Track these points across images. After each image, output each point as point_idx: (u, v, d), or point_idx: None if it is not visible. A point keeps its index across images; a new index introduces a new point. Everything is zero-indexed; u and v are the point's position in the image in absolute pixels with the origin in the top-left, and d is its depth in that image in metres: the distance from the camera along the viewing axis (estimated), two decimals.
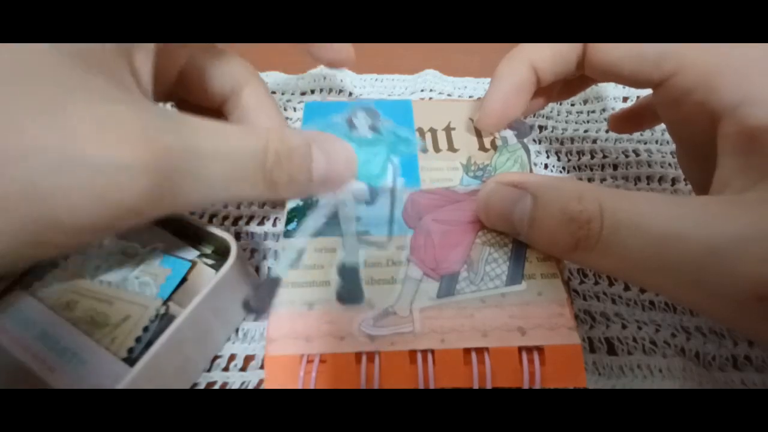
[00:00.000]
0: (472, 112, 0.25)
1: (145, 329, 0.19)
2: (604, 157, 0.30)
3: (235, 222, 0.27)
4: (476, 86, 0.36)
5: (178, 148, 0.14)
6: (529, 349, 0.17)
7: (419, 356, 0.17)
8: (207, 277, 0.21)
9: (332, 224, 0.20)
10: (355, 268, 0.19)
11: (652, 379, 0.21)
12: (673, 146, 0.30)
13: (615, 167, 0.30)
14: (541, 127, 0.32)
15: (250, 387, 0.21)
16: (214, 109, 0.24)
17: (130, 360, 0.19)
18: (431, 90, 0.35)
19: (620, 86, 0.34)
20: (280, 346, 0.17)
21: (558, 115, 0.33)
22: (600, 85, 0.34)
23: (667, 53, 0.18)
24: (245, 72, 0.24)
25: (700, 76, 0.17)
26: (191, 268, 0.22)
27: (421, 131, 0.24)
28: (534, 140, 0.32)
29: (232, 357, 0.22)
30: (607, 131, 0.32)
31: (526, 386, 0.17)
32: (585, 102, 0.34)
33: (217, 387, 0.21)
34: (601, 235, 0.15)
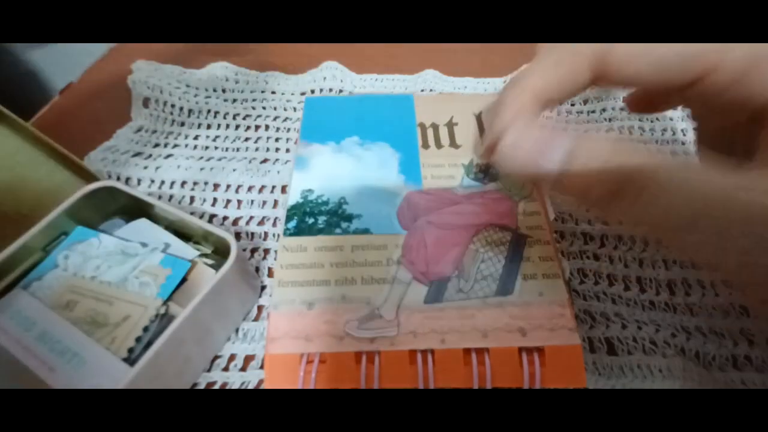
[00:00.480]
0: (475, 107, 0.25)
1: (145, 329, 0.19)
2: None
3: (235, 222, 0.27)
4: (476, 86, 0.36)
5: None
6: (530, 350, 0.17)
7: (419, 356, 0.17)
8: (207, 276, 0.21)
9: (332, 223, 0.20)
10: None
11: (652, 379, 0.21)
12: (673, 145, 0.30)
13: None
14: None
15: (250, 387, 0.21)
16: None
17: (130, 360, 0.19)
18: (431, 90, 0.35)
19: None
20: (280, 345, 0.17)
21: (558, 115, 0.33)
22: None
23: (690, 57, 0.17)
24: None
25: (738, 72, 0.16)
26: (191, 268, 0.22)
27: (422, 127, 0.24)
28: None
29: (232, 357, 0.22)
30: (607, 131, 0.32)
31: (526, 386, 0.17)
32: (585, 102, 0.34)
33: (217, 387, 0.21)
34: (650, 183, 0.14)
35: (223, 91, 0.36)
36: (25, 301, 0.20)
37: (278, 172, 0.29)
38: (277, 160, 0.31)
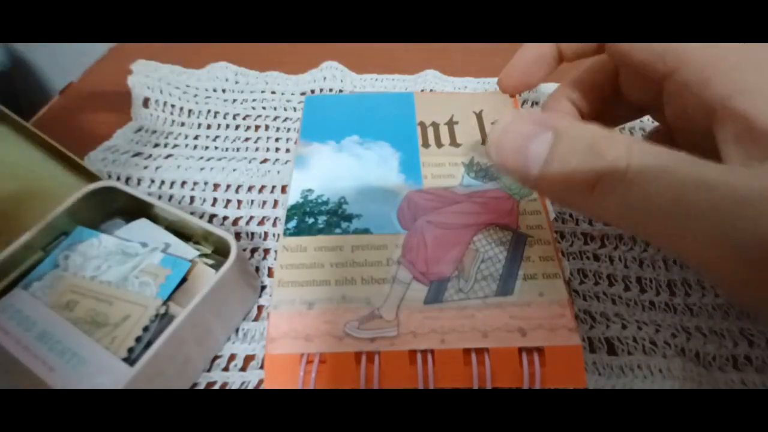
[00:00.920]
0: (476, 106, 0.25)
1: (145, 329, 0.19)
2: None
3: (235, 222, 0.27)
4: (476, 86, 0.36)
5: None
6: (530, 350, 0.17)
7: (419, 356, 0.17)
8: (207, 276, 0.21)
9: (332, 223, 0.20)
10: None
11: (652, 379, 0.21)
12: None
13: None
14: None
15: (250, 387, 0.21)
16: None
17: (130, 360, 0.19)
18: (431, 90, 0.35)
19: None
20: (280, 345, 0.17)
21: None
22: None
23: (670, 48, 0.18)
24: None
25: (697, 70, 0.17)
26: (191, 268, 0.22)
27: (423, 125, 0.24)
28: None
29: (232, 357, 0.22)
30: None
31: (526, 386, 0.17)
32: None
33: (217, 387, 0.21)
34: (626, 174, 0.14)
35: (223, 91, 0.36)
36: (25, 301, 0.20)
37: (278, 172, 0.29)
38: (277, 160, 0.31)
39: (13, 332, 0.19)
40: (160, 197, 0.28)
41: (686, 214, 0.14)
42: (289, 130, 0.33)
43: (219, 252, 0.23)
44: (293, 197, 0.21)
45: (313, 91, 0.36)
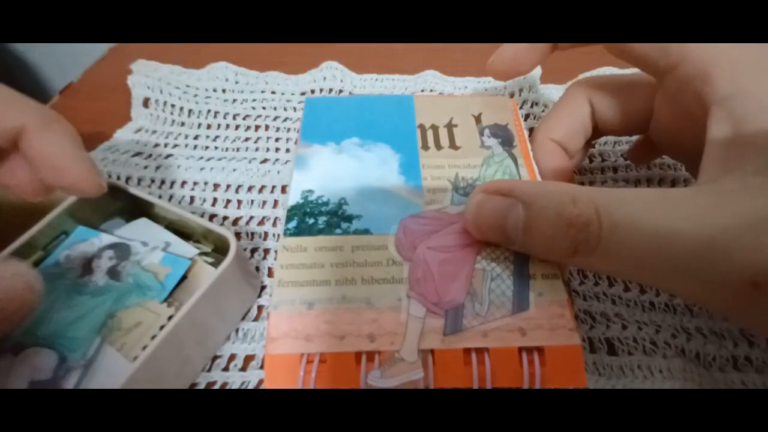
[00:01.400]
0: (474, 108, 0.25)
1: (153, 338, 0.19)
2: (603, 160, 0.30)
3: (235, 222, 0.27)
4: (476, 86, 0.36)
5: None
6: (530, 350, 0.17)
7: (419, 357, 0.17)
8: (207, 275, 0.21)
9: (332, 223, 0.20)
10: None
11: (652, 379, 0.21)
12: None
13: (615, 170, 0.30)
14: None
15: (250, 387, 0.21)
16: None
17: None
18: (431, 90, 0.35)
19: None
20: (279, 345, 0.17)
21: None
22: None
23: (672, 44, 0.18)
24: (32, 112, 0.19)
25: (699, 67, 0.18)
26: (191, 266, 0.22)
27: (422, 128, 0.24)
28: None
29: (232, 357, 0.22)
30: None
31: (526, 386, 0.17)
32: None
33: (217, 387, 0.21)
34: (600, 237, 0.15)
35: (223, 91, 0.36)
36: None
37: (278, 172, 0.29)
38: (277, 160, 0.31)
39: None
40: (160, 197, 0.28)
41: (663, 262, 0.14)
42: (289, 130, 0.33)
43: (219, 251, 0.23)
44: (293, 198, 0.21)
45: (313, 91, 0.36)
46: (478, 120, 0.25)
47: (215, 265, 0.22)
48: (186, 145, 0.32)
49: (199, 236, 0.23)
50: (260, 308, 0.23)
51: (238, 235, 0.26)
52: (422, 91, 0.35)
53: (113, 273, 0.21)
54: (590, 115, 0.23)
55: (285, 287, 0.18)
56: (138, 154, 0.31)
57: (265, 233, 0.27)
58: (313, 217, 0.20)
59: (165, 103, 0.34)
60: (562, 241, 0.16)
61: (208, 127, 0.33)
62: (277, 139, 0.32)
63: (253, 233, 0.27)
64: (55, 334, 0.19)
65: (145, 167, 0.30)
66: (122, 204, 0.23)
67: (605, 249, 0.15)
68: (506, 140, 0.23)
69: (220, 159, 0.31)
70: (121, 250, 0.22)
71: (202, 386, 0.21)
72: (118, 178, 0.29)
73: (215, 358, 0.22)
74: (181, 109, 0.34)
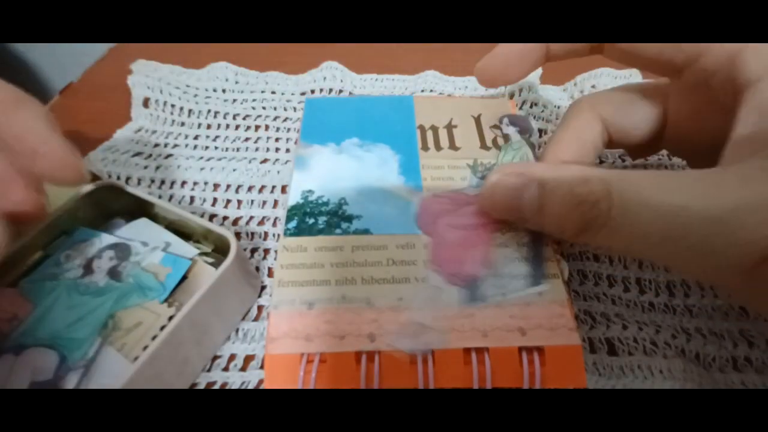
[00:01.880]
0: (474, 109, 0.25)
1: (154, 338, 0.19)
2: (601, 162, 0.30)
3: (235, 222, 0.27)
4: (477, 86, 0.36)
5: None
6: (530, 350, 0.17)
7: (419, 356, 0.17)
8: (207, 275, 0.21)
9: (332, 223, 0.20)
10: None
11: (652, 379, 0.21)
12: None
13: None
14: (541, 131, 0.32)
15: (250, 387, 0.21)
16: None
17: None
18: (431, 90, 0.35)
19: None
20: (279, 345, 0.17)
21: (557, 119, 0.33)
22: (597, 87, 0.34)
23: (684, 44, 0.19)
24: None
25: (724, 56, 0.18)
26: (191, 266, 0.22)
27: (422, 129, 0.24)
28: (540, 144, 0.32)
29: (232, 357, 0.22)
30: None
31: (526, 386, 0.17)
32: None
33: (217, 387, 0.21)
34: (610, 214, 0.15)
35: (223, 91, 0.36)
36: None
37: (278, 172, 0.29)
38: (277, 160, 0.31)
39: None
40: (160, 197, 0.28)
41: (672, 239, 0.15)
42: (289, 130, 0.33)
43: (219, 251, 0.23)
44: (293, 198, 0.21)
45: (313, 91, 0.36)
46: (478, 121, 0.25)
47: (215, 265, 0.22)
48: (186, 145, 0.32)
49: (199, 236, 0.23)
50: (260, 308, 0.23)
51: (238, 235, 0.26)
52: (422, 91, 0.35)
53: (114, 273, 0.21)
54: (601, 133, 0.22)
55: (285, 287, 0.18)
56: (138, 154, 0.31)
57: (265, 233, 0.27)
58: (313, 217, 0.20)
59: (165, 103, 0.34)
60: (573, 218, 0.16)
61: (208, 127, 0.33)
62: (277, 139, 0.32)
63: (253, 233, 0.27)
64: (55, 335, 0.19)
65: (145, 167, 0.30)
66: (122, 204, 0.23)
67: (615, 226, 0.15)
68: (524, 128, 0.24)
69: (220, 159, 0.31)
70: (122, 251, 0.22)
71: (202, 386, 0.21)
72: (118, 178, 0.29)
73: (215, 358, 0.22)
74: (181, 109, 0.34)
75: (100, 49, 0.41)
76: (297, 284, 0.18)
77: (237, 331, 0.23)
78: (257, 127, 0.33)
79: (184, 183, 0.29)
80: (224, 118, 0.34)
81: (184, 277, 0.21)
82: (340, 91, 0.36)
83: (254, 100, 0.35)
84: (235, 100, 0.35)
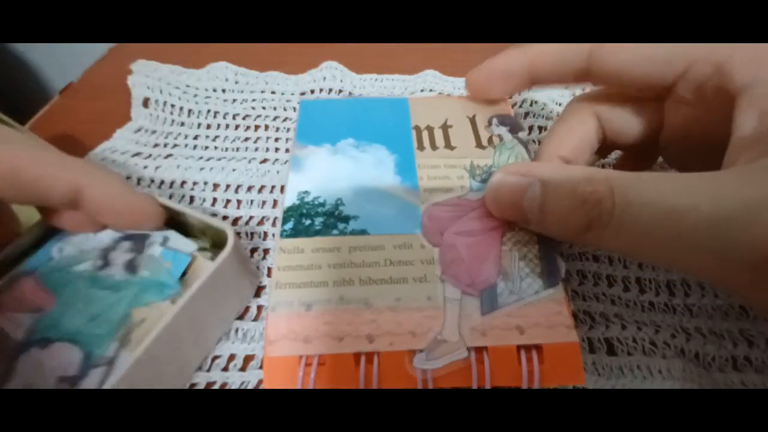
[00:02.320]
0: (469, 109, 0.25)
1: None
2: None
3: (235, 222, 0.27)
4: None
5: None
6: (528, 348, 0.17)
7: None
8: (206, 269, 0.21)
9: (329, 224, 0.20)
10: None
11: (651, 379, 0.21)
12: None
13: (614, 168, 0.30)
14: (540, 128, 0.32)
15: (250, 387, 0.21)
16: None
17: None
18: (431, 90, 0.35)
19: None
20: (278, 347, 0.17)
21: (557, 116, 0.33)
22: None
23: (674, 51, 0.19)
24: (79, 171, 0.19)
25: (711, 67, 0.18)
26: (191, 262, 0.22)
27: (417, 129, 0.24)
28: (528, 141, 0.32)
29: (231, 357, 0.22)
30: None
31: (525, 385, 0.17)
32: None
33: (216, 387, 0.21)
34: (614, 213, 0.15)
35: (223, 91, 0.36)
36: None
37: (278, 172, 0.29)
38: (276, 160, 0.31)
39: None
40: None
41: (678, 239, 0.14)
42: (288, 130, 0.33)
43: (217, 245, 0.23)
44: (289, 199, 0.21)
45: (312, 91, 0.36)
46: (473, 122, 0.25)
47: (214, 259, 0.22)
48: (186, 145, 0.32)
49: (197, 232, 0.23)
50: (260, 308, 0.23)
51: (237, 234, 0.26)
52: (422, 91, 0.35)
53: (130, 267, 0.21)
54: (596, 130, 0.22)
55: (282, 289, 0.18)
56: (138, 154, 0.31)
57: (265, 233, 0.27)
58: (310, 218, 0.20)
59: (165, 103, 0.34)
60: (575, 217, 0.16)
61: (208, 127, 0.33)
62: (276, 139, 0.32)
63: (252, 233, 0.27)
64: (78, 330, 0.19)
65: (145, 167, 0.30)
66: None
67: (618, 225, 0.15)
68: (514, 127, 0.24)
69: (219, 159, 0.31)
70: (137, 242, 0.22)
71: (201, 386, 0.21)
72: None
73: (215, 358, 0.22)
74: (181, 109, 0.34)
75: (100, 49, 0.41)
76: (295, 286, 0.18)
77: (237, 330, 0.23)
78: (257, 127, 0.33)
79: (183, 183, 0.29)
80: (224, 118, 0.34)
81: (183, 272, 0.21)
82: (340, 91, 0.36)
83: (254, 100, 0.35)
84: (234, 100, 0.35)
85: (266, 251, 0.26)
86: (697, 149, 0.21)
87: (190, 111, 0.34)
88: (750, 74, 0.17)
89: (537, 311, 0.18)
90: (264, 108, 0.35)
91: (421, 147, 0.23)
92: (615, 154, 0.30)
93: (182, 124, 0.33)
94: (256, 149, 0.32)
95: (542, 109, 0.33)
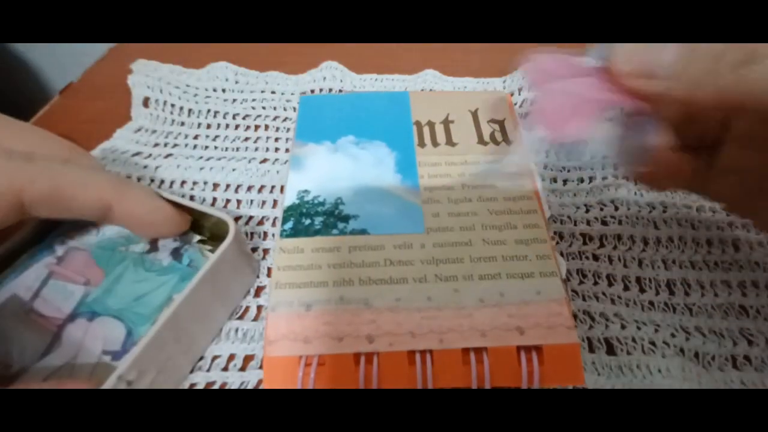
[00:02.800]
0: (471, 104, 0.25)
1: None
2: (604, 157, 0.30)
3: (235, 222, 0.27)
4: (476, 86, 0.36)
5: None
6: (528, 349, 0.17)
7: (418, 357, 0.17)
8: (210, 259, 0.22)
9: (329, 224, 0.20)
10: None
11: (651, 378, 0.21)
12: None
13: (615, 167, 0.30)
14: None
15: (249, 387, 0.21)
16: None
17: None
18: (431, 90, 0.35)
19: None
20: (278, 347, 0.17)
21: None
22: None
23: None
24: (108, 190, 0.21)
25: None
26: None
27: (418, 125, 0.24)
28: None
29: (231, 357, 0.22)
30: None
31: (524, 385, 0.17)
32: None
33: (216, 387, 0.21)
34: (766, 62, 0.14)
35: (223, 91, 0.36)
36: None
37: (278, 171, 0.29)
38: (276, 159, 0.31)
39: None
40: None
41: None
42: (288, 130, 0.33)
43: (216, 238, 0.23)
44: (289, 198, 0.21)
45: (312, 91, 0.36)
46: (475, 116, 0.25)
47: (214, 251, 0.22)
48: (186, 145, 0.32)
49: (196, 226, 0.23)
50: (260, 308, 0.23)
51: (237, 219, 0.26)
52: (421, 90, 0.35)
53: (176, 254, 0.22)
54: None
55: (282, 289, 0.18)
56: (138, 153, 0.31)
57: (265, 233, 0.27)
58: (310, 218, 0.20)
59: (165, 102, 0.34)
60: (726, 65, 0.15)
61: (208, 126, 0.33)
62: (276, 139, 0.32)
63: (252, 233, 0.27)
64: (123, 307, 0.20)
65: (145, 167, 0.30)
66: None
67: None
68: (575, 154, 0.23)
69: (219, 159, 0.31)
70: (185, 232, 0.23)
71: (201, 386, 0.21)
72: (118, 176, 0.29)
73: (215, 357, 0.22)
74: (181, 108, 0.34)
75: (100, 49, 0.41)
76: (294, 286, 0.18)
77: (237, 330, 0.23)
78: (257, 127, 0.33)
79: (183, 183, 0.29)
80: (224, 117, 0.34)
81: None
82: (340, 91, 0.36)
83: (254, 100, 0.35)
84: (234, 100, 0.35)
85: (266, 251, 0.26)
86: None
87: (190, 111, 0.34)
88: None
89: (537, 311, 0.18)
90: (264, 108, 0.35)
91: (422, 143, 0.23)
92: None
93: (182, 123, 0.33)
94: (256, 149, 0.32)
95: None
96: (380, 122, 0.24)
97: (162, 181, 0.29)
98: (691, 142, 0.19)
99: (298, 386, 0.17)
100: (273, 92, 0.36)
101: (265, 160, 0.31)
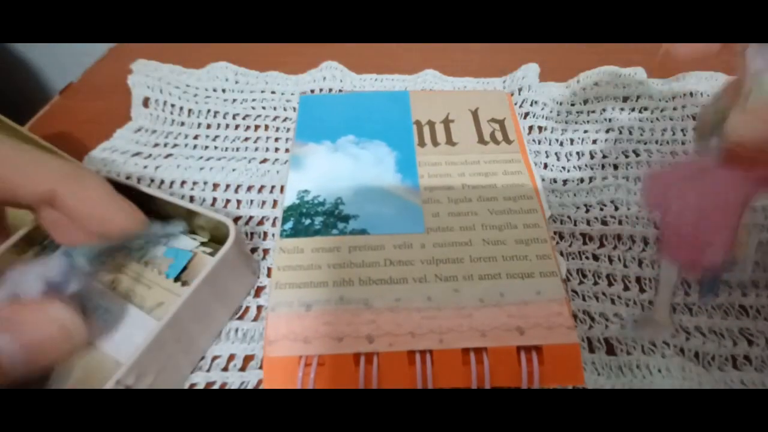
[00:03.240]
0: (471, 104, 0.25)
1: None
2: (604, 157, 0.30)
3: (235, 222, 0.27)
4: (476, 86, 0.36)
5: None
6: (528, 349, 0.17)
7: (418, 357, 0.17)
8: (207, 264, 0.22)
9: (329, 224, 0.20)
10: None
11: (651, 378, 0.21)
12: (673, 146, 0.30)
13: (615, 167, 0.30)
14: (540, 128, 0.32)
15: (249, 387, 0.21)
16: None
17: None
18: (431, 90, 0.35)
19: (620, 87, 0.34)
20: (278, 347, 0.17)
21: (558, 115, 0.33)
22: (600, 85, 0.34)
23: None
24: (55, 177, 0.19)
25: None
26: (192, 258, 0.22)
27: (418, 124, 0.24)
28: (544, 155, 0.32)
29: (231, 357, 0.22)
30: (607, 131, 0.31)
31: (524, 385, 0.17)
32: (585, 102, 0.34)
33: (216, 387, 0.21)
34: None
35: (223, 91, 0.36)
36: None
37: (278, 172, 0.29)
38: (276, 159, 0.31)
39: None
40: None
41: None
42: (288, 130, 0.33)
43: (216, 240, 0.23)
44: (289, 198, 0.21)
45: (312, 91, 0.36)
46: (476, 115, 0.25)
47: (214, 254, 0.22)
48: (186, 145, 0.32)
49: (195, 227, 0.23)
50: (260, 308, 0.23)
51: (236, 220, 0.26)
52: (421, 90, 0.35)
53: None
54: None
55: (282, 289, 0.18)
56: (138, 153, 0.31)
57: (265, 233, 0.27)
58: (310, 218, 0.20)
59: (165, 102, 0.34)
60: None
61: (208, 127, 0.33)
62: (276, 139, 0.32)
63: (252, 233, 0.27)
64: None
65: (145, 167, 0.30)
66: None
67: None
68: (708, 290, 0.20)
69: (219, 159, 0.31)
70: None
71: (201, 386, 0.21)
72: (118, 176, 0.29)
73: (215, 357, 0.22)
74: (181, 108, 0.34)
75: (100, 49, 0.41)
76: (294, 286, 0.18)
77: (236, 330, 0.23)
78: (257, 127, 0.33)
79: (183, 183, 0.29)
80: (224, 118, 0.34)
81: (185, 268, 0.22)
82: (340, 91, 0.36)
83: (254, 100, 0.35)
84: (234, 100, 0.35)
85: (266, 251, 0.26)
86: None
87: (190, 111, 0.34)
88: None
89: (537, 311, 0.18)
90: (264, 108, 0.35)
91: (422, 143, 0.23)
92: None
93: (182, 123, 0.33)
94: (256, 149, 0.32)
95: (542, 108, 0.33)
96: (380, 122, 0.24)
97: (162, 181, 0.29)
98: None
99: (298, 386, 0.17)
100: (273, 92, 0.36)
101: (265, 160, 0.31)
